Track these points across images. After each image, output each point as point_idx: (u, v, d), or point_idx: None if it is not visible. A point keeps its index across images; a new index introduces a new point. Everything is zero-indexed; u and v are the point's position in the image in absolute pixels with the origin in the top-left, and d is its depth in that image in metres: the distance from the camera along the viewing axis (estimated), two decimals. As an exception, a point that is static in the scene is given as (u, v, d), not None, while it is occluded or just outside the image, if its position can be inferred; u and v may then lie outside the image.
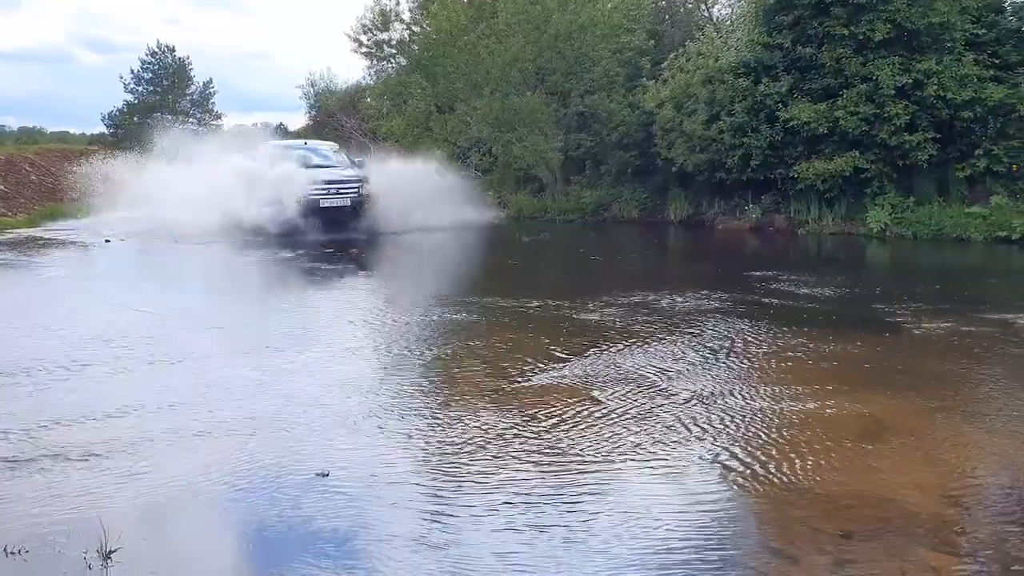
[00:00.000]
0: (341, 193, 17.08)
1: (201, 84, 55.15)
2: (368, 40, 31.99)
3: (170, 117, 53.39)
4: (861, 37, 17.26)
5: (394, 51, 31.75)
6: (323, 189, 16.93)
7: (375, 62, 33.03)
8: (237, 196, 16.24)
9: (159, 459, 4.71)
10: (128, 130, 48.98)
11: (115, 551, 3.54)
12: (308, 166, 17.77)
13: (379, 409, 5.65)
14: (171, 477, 4.46)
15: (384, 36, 31.73)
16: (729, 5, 25.79)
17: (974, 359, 7.09)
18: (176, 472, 4.52)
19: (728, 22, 24.33)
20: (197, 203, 16.37)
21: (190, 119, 54.56)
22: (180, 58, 54.35)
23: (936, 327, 8.17)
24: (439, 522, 3.97)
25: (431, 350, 7.47)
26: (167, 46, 53.85)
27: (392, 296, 10.81)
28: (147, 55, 53.87)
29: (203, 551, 3.84)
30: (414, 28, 30.59)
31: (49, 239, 16.42)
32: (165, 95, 53.68)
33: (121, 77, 53.82)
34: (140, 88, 53.77)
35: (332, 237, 16.20)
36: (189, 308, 9.58)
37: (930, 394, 6.03)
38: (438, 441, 5.07)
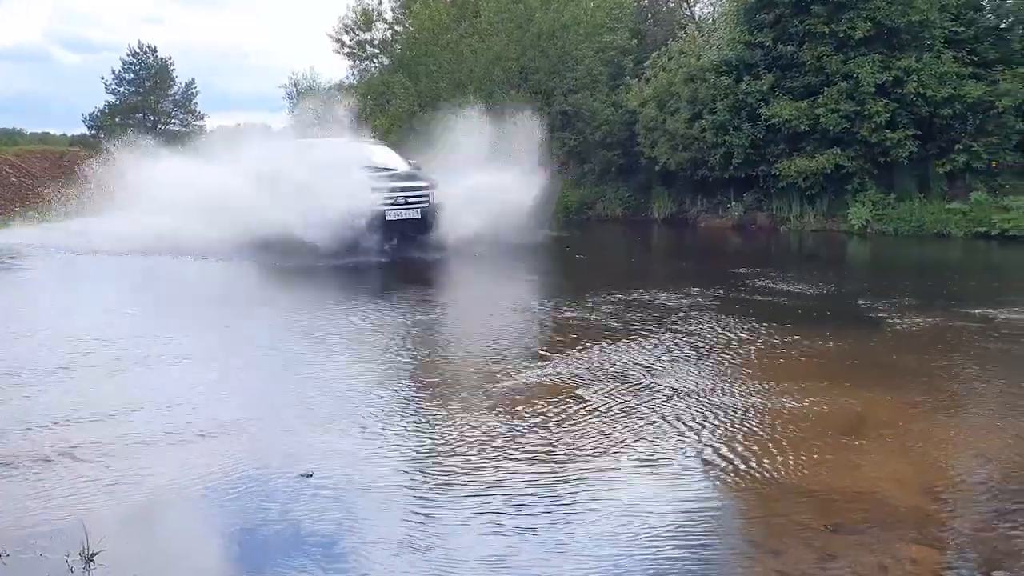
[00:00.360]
0: (410, 202, 13.59)
1: (183, 84, 54.94)
2: (351, 40, 31.92)
3: (152, 118, 53.20)
4: (841, 35, 17.38)
5: (376, 51, 31.69)
6: (389, 198, 13.45)
7: (358, 62, 32.94)
8: (267, 204, 12.90)
9: (143, 460, 4.68)
10: (109, 131, 48.73)
11: (97, 554, 3.53)
12: (364, 169, 14.02)
13: (367, 409, 5.65)
14: (155, 478, 4.44)
15: (367, 36, 31.67)
16: (711, 4, 26.00)
17: (956, 354, 7.15)
18: (160, 473, 4.50)
19: (710, 21, 24.50)
20: (209, 211, 13.45)
21: (172, 120, 54.35)
22: (162, 58, 54.14)
23: (918, 323, 8.23)
24: (424, 524, 3.97)
25: (424, 350, 7.47)
26: (149, 46, 53.64)
27: (394, 302, 10.78)
28: (128, 55, 53.63)
29: (186, 552, 3.83)
30: (396, 27, 30.57)
31: (28, 244, 16.04)
32: (147, 96, 53.44)
33: (102, 78, 53.73)
34: (121, 89, 53.51)
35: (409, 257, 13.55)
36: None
37: (913, 389, 6.07)
38: (425, 441, 5.07)
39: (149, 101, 53.45)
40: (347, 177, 13.18)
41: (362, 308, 9.40)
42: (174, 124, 53.71)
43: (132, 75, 53.49)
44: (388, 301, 10.10)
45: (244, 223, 13.01)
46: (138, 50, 53.46)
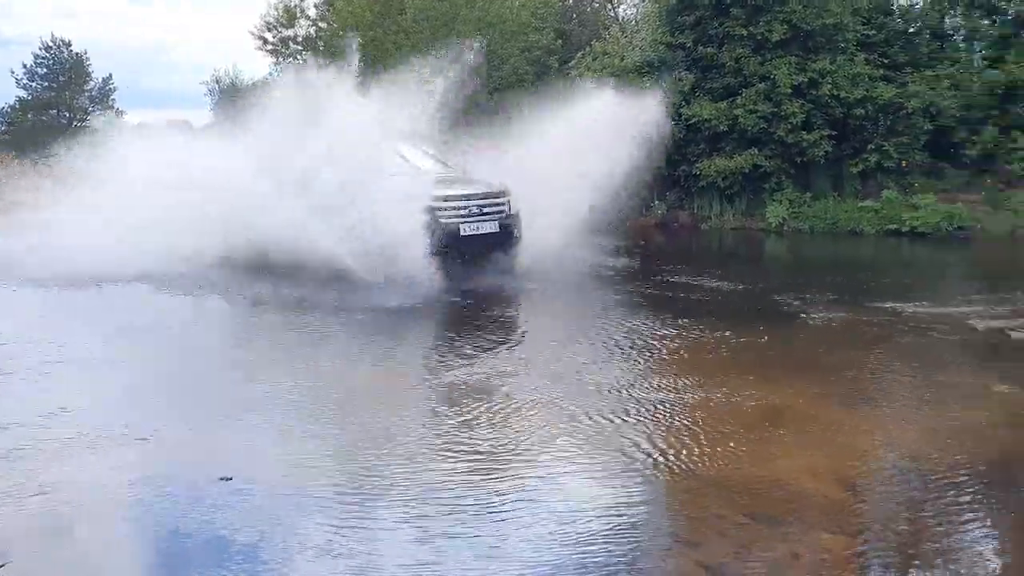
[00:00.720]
0: (486, 214, 10.80)
1: (100, 80, 53.33)
2: (273, 37, 31.50)
3: (67, 114, 51.55)
4: (759, 37, 17.77)
5: (300, 47, 31.31)
6: (461, 208, 10.63)
7: (281, 59, 32.49)
8: (291, 216, 9.81)
9: (56, 467, 4.56)
10: (22, 127, 47.12)
11: (3, 566, 3.43)
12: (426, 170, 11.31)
13: (292, 412, 5.60)
14: (69, 485, 4.33)
15: (289, 33, 31.29)
16: (634, 5, 26.29)
17: (866, 347, 7.40)
18: (75, 480, 4.39)
19: (633, 22, 24.80)
20: (204, 223, 10.42)
21: (89, 116, 52.71)
22: (77, 53, 52.42)
23: (831, 317, 8.49)
24: (343, 529, 3.95)
25: (340, 349, 7.43)
26: (62, 40, 51.91)
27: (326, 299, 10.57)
28: (41, 49, 51.80)
29: (99, 561, 3.74)
30: (320, 24, 30.24)
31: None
32: (61, 91, 51.69)
33: (12, 72, 51.58)
34: (34, 84, 51.64)
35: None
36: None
37: (826, 382, 6.27)
38: (348, 442, 5.04)
39: (64, 97, 51.73)
40: (402, 179, 10.27)
41: (299, 314, 9.23)
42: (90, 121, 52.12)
43: (45, 70, 51.70)
44: (326, 303, 9.86)
45: (253, 242, 10.13)
46: (51, 44, 51.73)
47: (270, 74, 32.31)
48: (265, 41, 31.65)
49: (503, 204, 11.03)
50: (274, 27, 31.22)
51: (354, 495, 4.27)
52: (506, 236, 10.92)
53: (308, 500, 4.22)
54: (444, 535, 3.87)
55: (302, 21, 30.87)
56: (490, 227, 10.77)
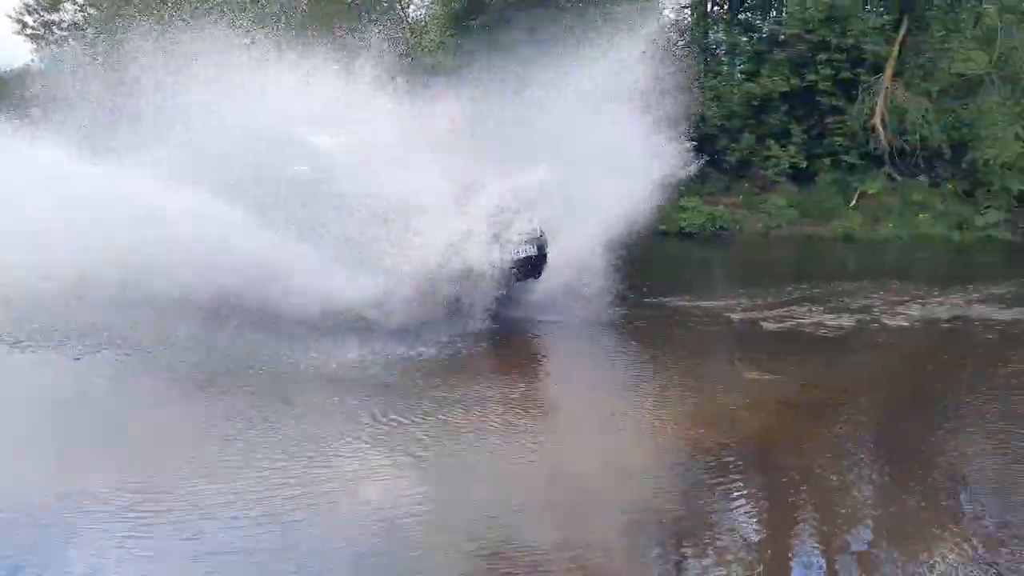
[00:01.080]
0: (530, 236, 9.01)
1: None
2: (35, 21, 29.15)
3: None
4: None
5: (66, 33, 29.17)
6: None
7: (44, 45, 30.12)
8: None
9: None
10: None
11: None
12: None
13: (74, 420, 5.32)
14: None
15: (53, 17, 29.07)
16: (423, 7, 26.44)
17: (637, 340, 7.92)
18: None
19: (423, 23, 24.94)
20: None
21: None
22: None
23: (605, 313, 8.93)
24: (126, 543, 3.84)
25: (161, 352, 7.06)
26: None
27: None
28: None
29: None
30: (90, 10, 28.34)
31: None
32: None
33: None
34: None
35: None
36: None
37: (598, 375, 6.68)
38: (143, 450, 4.87)
39: None
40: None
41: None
42: None
43: None
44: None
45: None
46: None
47: (31, 61, 29.95)
48: (24, 25, 29.25)
49: (535, 221, 9.16)
50: (35, 10, 28.91)
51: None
52: (541, 260, 9.12)
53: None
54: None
55: (68, 5, 28.76)
56: (530, 249, 8.91)
